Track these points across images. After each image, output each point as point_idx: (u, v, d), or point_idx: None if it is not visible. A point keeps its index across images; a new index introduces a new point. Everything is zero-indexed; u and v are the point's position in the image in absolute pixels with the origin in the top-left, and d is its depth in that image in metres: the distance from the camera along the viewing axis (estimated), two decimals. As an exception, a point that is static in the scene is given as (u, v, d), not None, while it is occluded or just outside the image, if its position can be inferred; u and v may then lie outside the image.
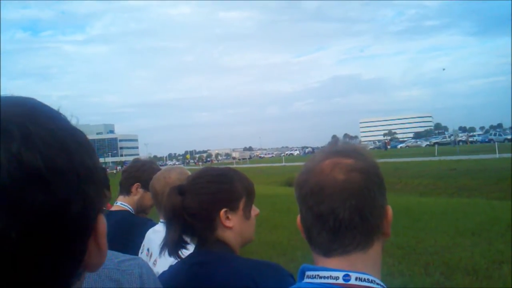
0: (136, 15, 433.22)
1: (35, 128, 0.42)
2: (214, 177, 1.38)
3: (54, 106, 0.48)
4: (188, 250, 1.36)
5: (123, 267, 1.03)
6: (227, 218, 1.34)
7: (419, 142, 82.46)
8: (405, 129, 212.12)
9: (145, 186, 2.33)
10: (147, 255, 1.92)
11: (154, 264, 1.75)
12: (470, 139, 67.56)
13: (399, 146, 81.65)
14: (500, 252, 6.28)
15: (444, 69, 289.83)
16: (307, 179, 0.90)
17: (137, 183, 2.43)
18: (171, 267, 1.42)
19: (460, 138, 59.02)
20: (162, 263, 1.57)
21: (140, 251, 2.00)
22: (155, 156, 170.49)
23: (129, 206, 2.42)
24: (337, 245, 0.86)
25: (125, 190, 2.46)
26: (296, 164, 32.37)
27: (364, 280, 0.83)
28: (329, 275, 0.84)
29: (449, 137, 65.98)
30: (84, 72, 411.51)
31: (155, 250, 1.69)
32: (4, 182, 0.39)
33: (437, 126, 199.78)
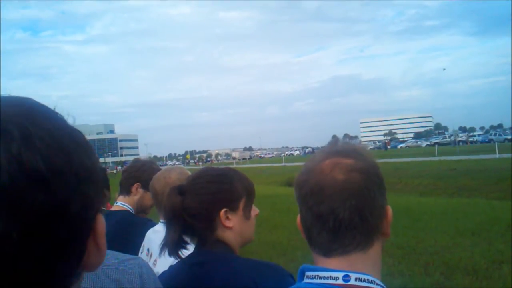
0: (136, 15, 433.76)
1: (34, 128, 0.42)
2: (214, 177, 1.38)
3: (53, 106, 0.48)
4: (188, 250, 1.36)
5: (123, 267, 1.03)
6: (227, 218, 1.34)
7: (419, 142, 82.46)
8: (405, 129, 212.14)
9: (145, 186, 2.33)
10: (147, 255, 1.92)
11: (154, 264, 1.75)
12: (470, 139, 67.54)
13: (399, 146, 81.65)
14: (500, 252, 6.28)
15: (444, 69, 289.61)
16: (307, 179, 0.90)
17: (137, 183, 2.43)
18: (171, 267, 1.42)
19: (460, 138, 58.99)
20: (162, 263, 1.57)
21: (140, 251, 2.00)
22: (155, 156, 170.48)
23: (129, 206, 2.42)
24: (337, 245, 0.86)
25: (125, 190, 2.46)
26: (296, 164, 32.38)
27: (364, 280, 0.83)
28: (329, 276, 0.84)
29: (449, 137, 65.98)
30: (84, 72, 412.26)
31: (155, 250, 1.69)
32: (4, 182, 0.39)
33: (437, 126, 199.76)
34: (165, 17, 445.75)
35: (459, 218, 8.99)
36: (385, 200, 0.90)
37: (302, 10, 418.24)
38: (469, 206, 10.58)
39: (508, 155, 21.69)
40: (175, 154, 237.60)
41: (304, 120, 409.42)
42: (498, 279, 5.28)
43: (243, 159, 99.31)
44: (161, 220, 1.93)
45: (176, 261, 1.37)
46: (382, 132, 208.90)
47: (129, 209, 2.41)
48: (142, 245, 2.02)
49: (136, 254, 1.91)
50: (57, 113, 0.48)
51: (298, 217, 0.93)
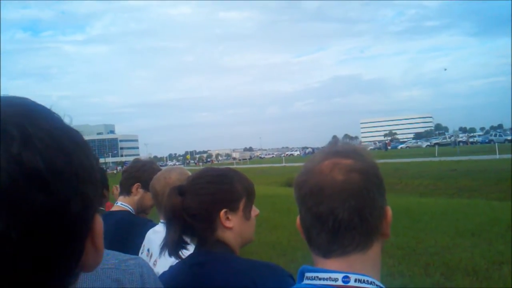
0: (136, 15, 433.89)
1: (33, 128, 0.42)
2: (214, 177, 1.39)
3: (53, 106, 0.49)
4: (188, 250, 1.36)
5: (124, 267, 1.03)
6: (227, 218, 1.34)
7: (419, 143, 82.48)
8: (406, 130, 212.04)
9: (146, 186, 2.33)
10: (147, 256, 1.92)
11: (154, 264, 1.75)
12: (471, 139, 67.57)
13: (399, 147, 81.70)
14: (500, 253, 6.27)
15: (445, 69, 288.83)
16: (306, 179, 0.90)
17: (138, 183, 2.43)
18: (171, 267, 1.42)
19: (460, 139, 59.02)
20: (162, 263, 1.57)
21: (140, 251, 2.00)
22: (155, 157, 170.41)
23: (129, 207, 2.42)
24: (337, 246, 0.86)
25: (126, 190, 2.46)
26: (296, 165, 32.37)
27: (364, 281, 0.83)
28: (328, 277, 0.84)
29: (450, 137, 65.96)
30: (84, 72, 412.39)
31: (155, 250, 1.69)
32: (4, 183, 0.39)
33: (438, 126, 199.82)
34: (165, 17, 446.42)
35: (459, 218, 8.98)
36: (384, 200, 0.90)
37: (302, 10, 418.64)
38: (469, 207, 10.57)
39: (508, 156, 21.67)
40: (175, 154, 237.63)
41: (304, 121, 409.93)
42: (498, 280, 5.27)
43: (243, 159, 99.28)
44: (161, 221, 1.93)
45: (176, 261, 1.37)
46: (383, 133, 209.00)
47: (130, 210, 2.42)
48: (142, 245, 2.02)
49: (136, 254, 1.91)
50: (54, 113, 0.48)
51: (298, 218, 0.93)
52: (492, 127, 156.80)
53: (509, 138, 50.84)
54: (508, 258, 5.83)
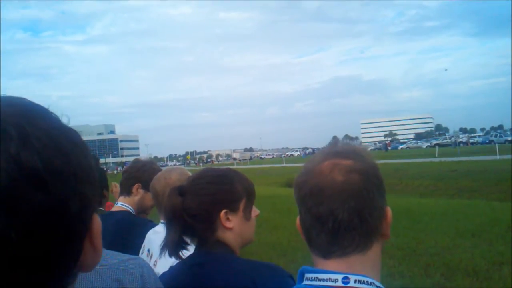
0: (136, 15, 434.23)
1: (31, 128, 0.42)
2: (214, 178, 1.39)
3: (52, 106, 0.49)
4: (189, 251, 1.36)
5: (124, 267, 1.03)
6: (227, 219, 1.34)
7: (419, 143, 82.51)
8: (406, 130, 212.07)
9: (146, 186, 2.33)
10: (147, 256, 1.92)
11: (155, 264, 1.75)
12: (471, 140, 67.54)
13: (399, 147, 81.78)
14: (501, 253, 6.27)
15: (446, 70, 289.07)
16: (306, 180, 0.90)
17: (138, 184, 2.43)
18: (171, 268, 1.42)
19: (460, 140, 59.01)
20: (163, 264, 1.57)
21: (141, 251, 2.00)
22: (155, 157, 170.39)
23: (129, 207, 2.42)
24: (336, 247, 0.86)
25: (126, 190, 2.46)
26: (296, 165, 32.37)
27: (363, 282, 0.83)
28: (328, 278, 0.84)
29: (450, 138, 66.02)
30: (84, 72, 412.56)
31: (156, 251, 1.69)
32: (3, 183, 0.39)
33: (438, 127, 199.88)
34: (165, 17, 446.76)
35: (460, 219, 8.97)
36: (384, 201, 0.90)
37: (302, 10, 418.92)
38: (469, 207, 10.57)
39: (508, 156, 21.67)
40: (175, 154, 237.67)
41: (304, 121, 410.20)
42: (498, 280, 5.27)
43: (244, 160, 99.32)
44: (162, 221, 1.93)
45: (177, 261, 1.37)
46: (383, 133, 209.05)
47: (130, 210, 2.41)
48: (143, 245, 2.02)
49: (137, 254, 1.91)
50: (52, 113, 0.48)
51: (298, 219, 0.93)
52: (492, 128, 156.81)
53: (509, 138, 50.88)
54: (508, 259, 5.82)
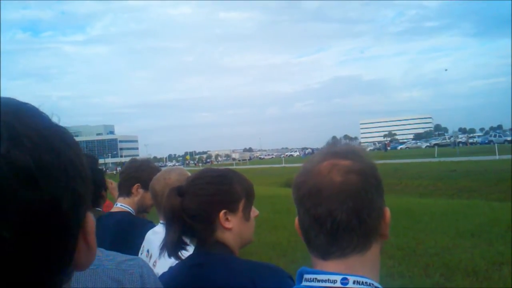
0: (136, 15, 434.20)
1: (21, 127, 0.43)
2: (213, 178, 1.39)
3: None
4: (188, 251, 1.36)
5: (124, 267, 1.03)
6: (227, 219, 1.34)
7: (419, 144, 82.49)
8: (405, 130, 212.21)
9: (145, 186, 2.33)
10: (146, 256, 1.92)
11: (154, 265, 1.75)
12: (470, 140, 67.58)
13: (399, 147, 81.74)
14: (500, 253, 6.27)
15: (446, 70, 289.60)
16: (304, 180, 0.90)
17: (138, 184, 2.43)
18: (170, 268, 1.42)
19: (460, 140, 59.02)
20: (162, 264, 1.57)
21: (140, 252, 2.00)
22: (155, 157, 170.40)
23: (129, 208, 2.41)
24: (335, 248, 0.86)
25: (125, 191, 2.45)
26: (296, 165, 32.36)
27: (362, 283, 0.83)
28: (327, 279, 0.84)
29: (449, 138, 66.04)
30: (84, 72, 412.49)
31: (155, 251, 1.69)
32: None
33: (437, 127, 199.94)
34: (165, 17, 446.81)
35: (459, 219, 8.97)
36: (383, 201, 0.90)
37: (302, 10, 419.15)
38: (469, 207, 10.57)
39: (508, 157, 21.69)
40: (175, 155, 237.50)
41: (304, 121, 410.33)
42: (498, 281, 5.27)
43: (243, 160, 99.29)
44: (161, 221, 1.93)
45: (176, 262, 1.37)
46: (382, 133, 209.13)
47: (130, 210, 2.41)
48: (142, 246, 2.02)
49: (136, 255, 1.91)
50: (42, 112, 0.48)
51: (296, 219, 0.93)
52: (491, 128, 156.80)
53: (508, 138, 50.88)
54: (508, 259, 5.83)
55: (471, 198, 12.89)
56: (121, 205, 2.43)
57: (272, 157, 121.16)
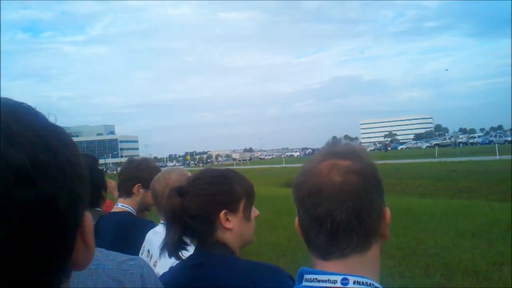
0: (136, 16, 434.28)
1: (18, 126, 0.43)
2: (214, 178, 1.39)
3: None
4: (188, 251, 1.36)
5: (125, 267, 1.03)
6: (227, 219, 1.34)
7: (419, 144, 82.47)
8: (406, 131, 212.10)
9: (146, 185, 2.34)
10: (147, 256, 1.92)
11: (155, 265, 1.75)
12: (471, 140, 67.60)
13: (399, 148, 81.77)
14: (500, 253, 6.27)
15: (447, 70, 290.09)
16: (304, 181, 0.90)
17: (138, 184, 2.43)
18: (171, 268, 1.42)
19: (460, 140, 59.07)
20: (162, 264, 1.57)
21: (141, 252, 2.00)
22: (155, 157, 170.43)
23: (130, 208, 2.41)
24: (335, 248, 0.86)
25: (126, 192, 2.45)
26: (296, 166, 32.35)
27: (362, 283, 0.83)
28: (327, 279, 0.84)
29: (450, 138, 66.02)
30: (85, 72, 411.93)
31: (156, 251, 1.69)
32: None
33: (438, 127, 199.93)
34: (165, 17, 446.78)
35: (459, 219, 8.97)
36: (383, 201, 0.90)
37: (302, 10, 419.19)
38: (469, 208, 10.56)
39: (508, 157, 21.68)
40: (175, 155, 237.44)
41: (304, 121, 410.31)
42: (498, 281, 5.27)
43: (243, 160, 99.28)
44: (162, 221, 1.93)
45: (176, 262, 1.37)
46: (383, 134, 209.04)
47: (131, 211, 2.41)
48: (143, 246, 2.02)
49: (137, 255, 1.91)
50: (39, 112, 0.48)
51: (296, 219, 0.93)
52: (492, 128, 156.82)
53: (509, 139, 50.87)
54: (508, 259, 5.82)
55: (472, 198, 12.89)
56: (122, 205, 2.43)
57: (273, 157, 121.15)
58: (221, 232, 1.34)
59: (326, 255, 0.87)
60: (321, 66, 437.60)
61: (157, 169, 2.47)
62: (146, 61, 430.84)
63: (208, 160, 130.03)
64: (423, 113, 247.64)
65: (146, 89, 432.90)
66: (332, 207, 0.85)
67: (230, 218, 1.35)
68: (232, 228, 1.35)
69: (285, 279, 1.27)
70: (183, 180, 1.50)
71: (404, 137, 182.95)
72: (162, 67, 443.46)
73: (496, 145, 33.49)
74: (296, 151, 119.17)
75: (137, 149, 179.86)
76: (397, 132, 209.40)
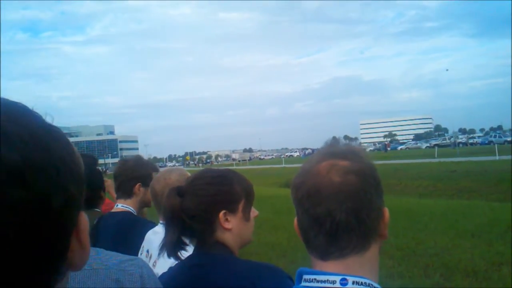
0: (136, 16, 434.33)
1: (11, 125, 0.43)
2: (213, 178, 1.39)
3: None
4: (187, 251, 1.36)
5: (124, 267, 1.03)
6: (226, 220, 1.34)
7: (419, 144, 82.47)
8: (405, 131, 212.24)
9: (145, 183, 2.34)
10: (146, 257, 1.92)
11: (154, 265, 1.75)
12: (470, 141, 67.58)
13: (399, 148, 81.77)
14: (500, 253, 6.27)
15: (447, 70, 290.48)
16: (303, 181, 0.90)
17: (139, 183, 2.42)
18: (170, 268, 1.42)
19: (460, 140, 59.08)
20: (162, 264, 1.57)
21: (140, 252, 2.00)
22: (155, 157, 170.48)
23: (130, 208, 2.41)
24: (334, 248, 0.86)
25: (126, 192, 2.44)
26: (295, 166, 32.35)
27: (362, 284, 0.83)
28: (326, 279, 0.84)
29: (449, 139, 66.04)
30: (84, 73, 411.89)
31: (155, 251, 1.69)
32: None
33: (437, 128, 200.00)
34: (165, 17, 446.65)
35: (459, 219, 8.98)
36: (382, 202, 0.90)
37: (302, 11, 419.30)
38: (469, 208, 10.57)
39: (508, 157, 21.70)
40: (175, 155, 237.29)
41: (304, 121, 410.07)
42: (498, 281, 5.27)
43: (243, 160, 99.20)
44: (161, 221, 1.93)
45: (176, 262, 1.37)
46: (382, 134, 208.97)
47: (131, 211, 2.41)
48: (142, 246, 2.02)
49: (136, 255, 1.91)
50: (34, 112, 0.48)
51: (295, 220, 0.93)
52: (491, 128, 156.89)
53: (508, 139, 50.90)
54: (508, 259, 5.83)
55: (471, 199, 12.91)
56: (122, 205, 2.42)
57: (272, 157, 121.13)
58: (221, 232, 1.34)
59: (325, 255, 0.87)
60: (321, 66, 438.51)
61: (153, 165, 2.47)
62: (146, 61, 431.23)
63: (208, 160, 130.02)
64: (423, 113, 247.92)
65: (146, 89, 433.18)
66: (331, 207, 0.85)
67: (229, 218, 1.35)
68: (232, 228, 1.35)
69: (284, 279, 1.27)
70: (183, 180, 1.50)
71: (404, 137, 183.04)
72: (162, 67, 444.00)
73: (496, 145, 33.52)
74: (296, 151, 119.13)
75: (137, 149, 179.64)
76: (397, 132, 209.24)
